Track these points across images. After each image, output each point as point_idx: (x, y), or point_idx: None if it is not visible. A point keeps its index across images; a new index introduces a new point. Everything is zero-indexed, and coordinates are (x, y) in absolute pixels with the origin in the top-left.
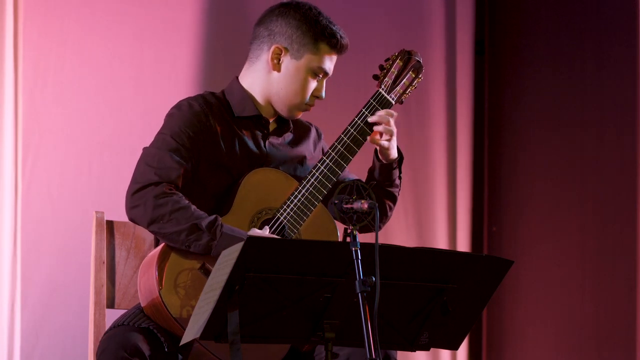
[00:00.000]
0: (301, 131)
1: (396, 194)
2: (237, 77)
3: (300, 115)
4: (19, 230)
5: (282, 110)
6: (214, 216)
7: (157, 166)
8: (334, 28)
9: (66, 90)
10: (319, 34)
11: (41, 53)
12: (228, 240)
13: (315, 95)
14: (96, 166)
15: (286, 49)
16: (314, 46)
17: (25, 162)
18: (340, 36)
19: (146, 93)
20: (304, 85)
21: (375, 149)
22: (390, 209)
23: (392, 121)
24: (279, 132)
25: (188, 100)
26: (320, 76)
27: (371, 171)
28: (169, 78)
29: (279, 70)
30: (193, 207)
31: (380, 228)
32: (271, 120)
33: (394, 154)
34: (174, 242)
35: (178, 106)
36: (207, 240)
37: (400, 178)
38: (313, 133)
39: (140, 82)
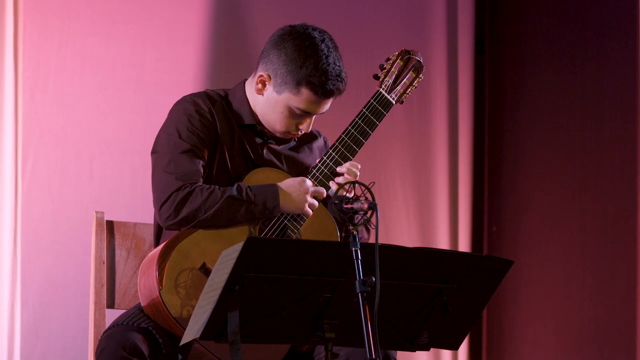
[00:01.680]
0: (307, 138)
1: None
2: (245, 80)
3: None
4: (19, 230)
5: (270, 128)
6: (235, 185)
7: (176, 171)
8: (321, 74)
9: (67, 90)
10: (302, 78)
11: (42, 53)
12: (262, 195)
13: (299, 129)
14: (96, 166)
15: (270, 78)
16: (295, 88)
17: (26, 162)
18: (324, 86)
19: (147, 93)
20: (283, 119)
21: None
22: None
23: (357, 172)
24: (278, 140)
25: (192, 97)
26: (301, 116)
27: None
28: (170, 78)
29: (262, 95)
30: (216, 186)
31: None
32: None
33: None
34: (217, 223)
35: (182, 102)
36: (245, 207)
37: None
38: (320, 142)
39: (141, 82)
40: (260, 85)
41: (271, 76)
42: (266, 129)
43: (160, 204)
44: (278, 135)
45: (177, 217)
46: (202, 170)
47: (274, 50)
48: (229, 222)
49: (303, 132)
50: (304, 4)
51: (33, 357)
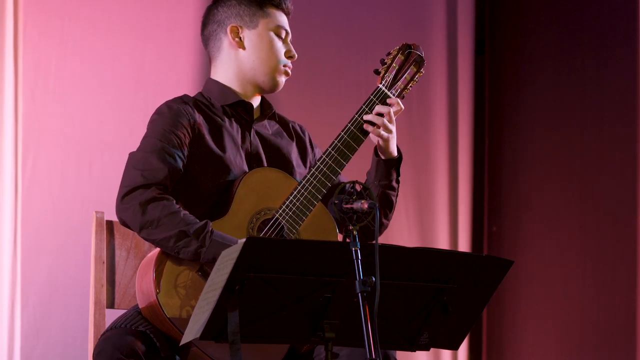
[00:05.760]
0: (284, 126)
1: (393, 198)
2: (209, 77)
3: (284, 82)
4: (19, 230)
5: (265, 82)
6: (203, 222)
7: (143, 168)
8: None
9: (67, 90)
10: (261, 1)
11: (42, 53)
12: (218, 247)
13: (289, 56)
14: (96, 166)
15: (241, 26)
16: (263, 11)
17: (26, 162)
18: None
19: (147, 93)
20: (272, 47)
21: (375, 147)
22: (386, 216)
23: (392, 113)
24: (262, 118)
25: (166, 103)
26: (283, 36)
27: (370, 171)
28: (170, 78)
29: (244, 47)
30: (183, 212)
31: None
32: (255, 106)
33: (392, 149)
34: (164, 247)
35: (158, 111)
36: (195, 247)
37: (398, 182)
38: (296, 128)
39: (141, 82)
40: (237, 39)
41: (239, 23)
42: (254, 106)
43: (123, 195)
44: (276, 80)
45: (135, 216)
46: (167, 170)
47: (220, 10)
48: (173, 253)
49: (293, 59)
50: (303, 4)
51: (33, 357)
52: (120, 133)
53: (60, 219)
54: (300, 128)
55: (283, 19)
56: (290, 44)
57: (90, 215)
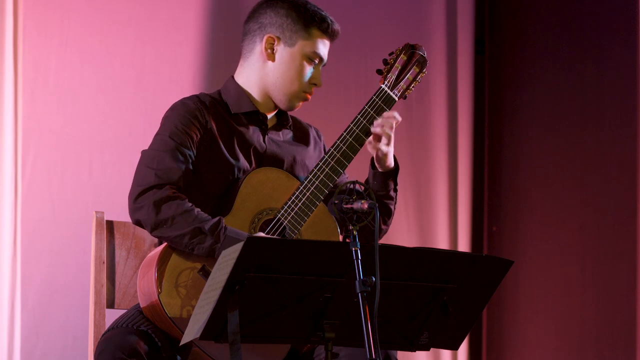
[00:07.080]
0: (301, 132)
1: (391, 207)
2: (232, 76)
3: (300, 106)
4: (19, 230)
5: (281, 101)
6: (217, 218)
7: (157, 167)
8: (323, 14)
9: (66, 90)
10: (309, 19)
11: (41, 52)
12: (232, 243)
13: (313, 83)
14: (96, 166)
15: (279, 38)
16: (306, 32)
17: (25, 162)
18: (331, 20)
19: (147, 93)
20: (300, 72)
21: (372, 158)
22: (385, 222)
23: (393, 125)
24: (278, 127)
25: (182, 100)
26: (316, 62)
27: (366, 181)
28: (170, 78)
29: (273, 60)
30: (197, 210)
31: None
32: (269, 116)
33: (390, 161)
34: (177, 245)
35: (173, 107)
36: (210, 243)
37: (395, 190)
38: (313, 133)
39: (140, 82)
40: (270, 50)
41: (278, 34)
42: (268, 115)
43: (137, 194)
44: (292, 103)
45: (150, 215)
46: (182, 170)
47: (267, 13)
48: (187, 250)
49: (316, 87)
50: None
51: (33, 357)
52: (120, 133)
53: (60, 219)
54: (317, 132)
55: (324, 46)
56: (320, 71)
57: (90, 215)
